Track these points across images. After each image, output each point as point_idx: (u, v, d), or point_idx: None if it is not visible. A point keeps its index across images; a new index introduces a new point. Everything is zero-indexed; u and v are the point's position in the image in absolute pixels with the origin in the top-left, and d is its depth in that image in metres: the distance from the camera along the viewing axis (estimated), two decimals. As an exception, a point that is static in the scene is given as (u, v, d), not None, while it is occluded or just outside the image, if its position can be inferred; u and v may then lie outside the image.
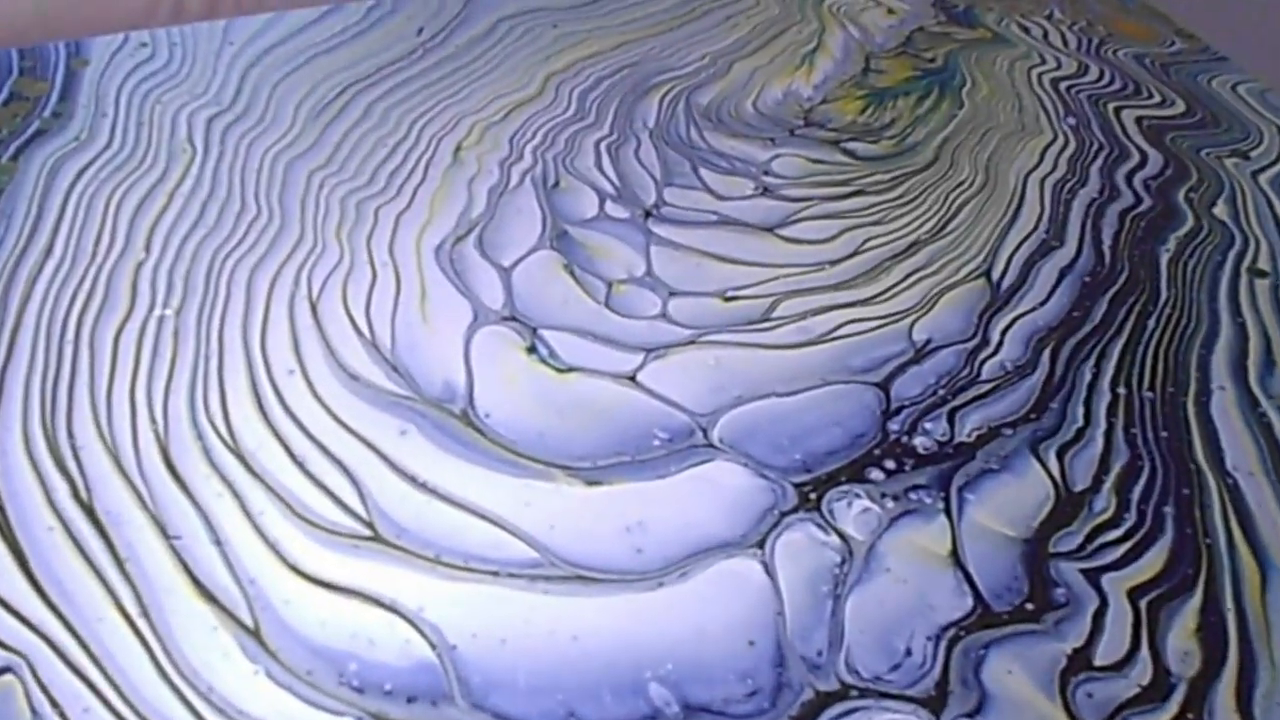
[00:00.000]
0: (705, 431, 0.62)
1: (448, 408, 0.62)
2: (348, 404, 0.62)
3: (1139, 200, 0.79)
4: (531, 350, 0.66)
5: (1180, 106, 0.89)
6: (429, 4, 0.98)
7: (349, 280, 0.70)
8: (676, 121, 0.85)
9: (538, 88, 0.89)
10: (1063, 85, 0.91)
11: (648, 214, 0.76)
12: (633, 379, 0.64)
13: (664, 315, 0.69)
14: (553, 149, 0.82)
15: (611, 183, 0.79)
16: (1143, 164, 0.82)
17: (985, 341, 0.67)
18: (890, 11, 1.00)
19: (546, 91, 0.88)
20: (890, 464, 0.60)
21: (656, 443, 0.61)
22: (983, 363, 0.66)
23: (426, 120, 0.84)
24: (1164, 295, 0.71)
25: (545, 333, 0.67)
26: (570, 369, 0.65)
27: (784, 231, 0.75)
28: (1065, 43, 0.96)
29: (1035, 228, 0.76)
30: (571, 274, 0.71)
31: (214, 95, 0.85)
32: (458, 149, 0.82)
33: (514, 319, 0.68)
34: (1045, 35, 0.97)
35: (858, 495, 0.58)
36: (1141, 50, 0.96)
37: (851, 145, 0.84)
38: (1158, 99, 0.90)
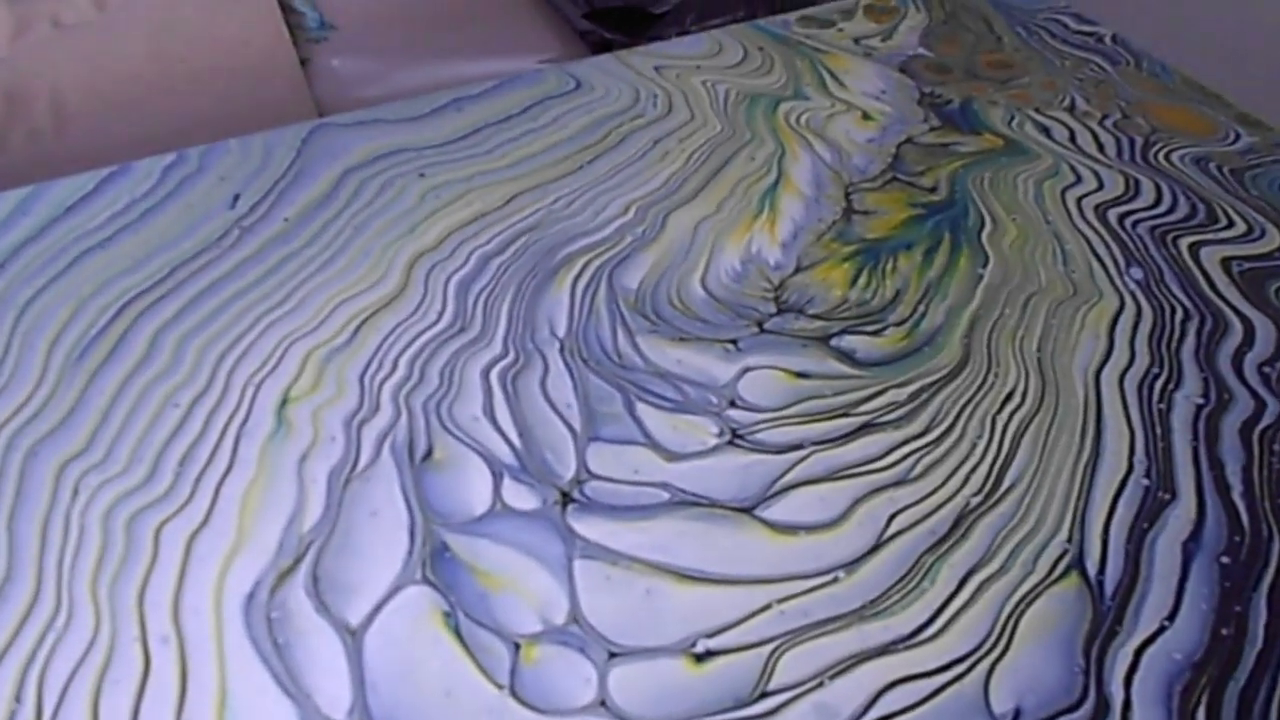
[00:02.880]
0: None
1: None
2: None
3: (1260, 405, 0.55)
4: (396, 803, 0.40)
5: (1274, 238, 0.65)
6: (248, 157, 0.71)
7: (105, 678, 0.44)
8: (597, 322, 0.60)
9: (399, 280, 0.62)
10: (1111, 214, 0.67)
11: (566, 498, 0.51)
12: None
13: (604, 703, 0.43)
14: (422, 388, 0.56)
15: (510, 444, 0.53)
16: (1249, 339, 0.58)
17: (1104, 705, 0.43)
18: (866, 117, 0.75)
19: (412, 286, 0.62)
20: None
21: None
22: (1109, 750, 0.41)
23: (240, 353, 0.58)
24: (1347, 584, 0.47)
25: (418, 761, 0.41)
26: (460, 839, 0.39)
27: (768, 512, 0.50)
28: (1100, 146, 0.72)
29: (1129, 469, 0.52)
30: (456, 632, 0.45)
31: (-68, 335, 0.58)
32: (284, 402, 0.55)
33: (367, 735, 0.42)
34: (1072, 137, 0.73)
35: None
36: (1201, 149, 0.72)
37: (847, 342, 0.58)
38: (1242, 227, 0.65)
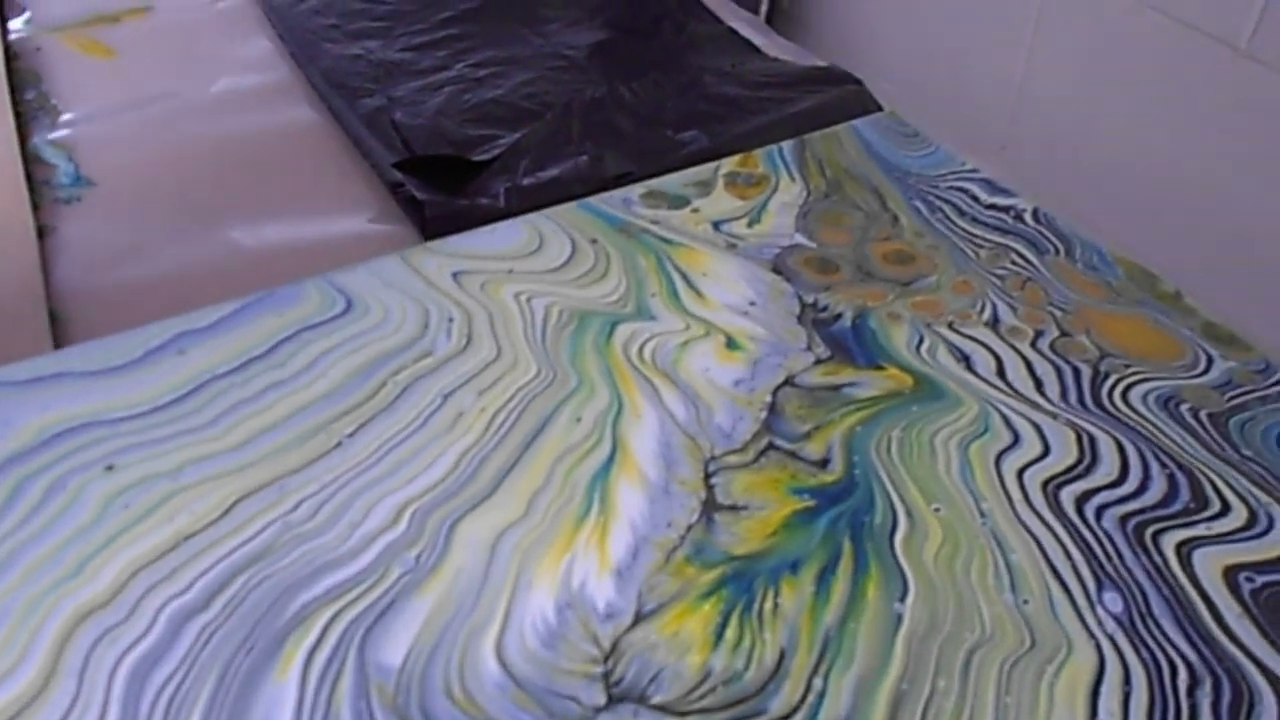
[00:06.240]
0: None
1: None
2: None
3: None
4: None
5: (1286, 529, 0.46)
6: None
7: None
8: (334, 741, 0.38)
9: (44, 666, 0.41)
10: (1065, 496, 0.48)
11: None
12: None
13: None
14: None
15: None
16: (1288, 719, 0.39)
17: None
18: (731, 345, 0.55)
19: (61, 675, 0.41)
20: None
21: None
22: None
23: None
24: None
25: None
26: None
27: None
28: (1039, 383, 0.54)
29: None
30: None
31: None
32: None
33: None
34: (1001, 369, 0.54)
35: None
36: (1167, 383, 0.54)
37: (710, 758, 0.38)
38: (1240, 513, 0.47)
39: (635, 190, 0.69)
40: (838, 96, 1.09)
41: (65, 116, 1.07)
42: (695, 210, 0.67)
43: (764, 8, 1.81)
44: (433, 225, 0.90)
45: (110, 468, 0.50)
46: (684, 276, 0.62)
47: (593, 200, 0.68)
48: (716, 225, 0.66)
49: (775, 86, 1.13)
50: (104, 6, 1.27)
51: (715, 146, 0.99)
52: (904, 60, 1.44)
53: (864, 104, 1.08)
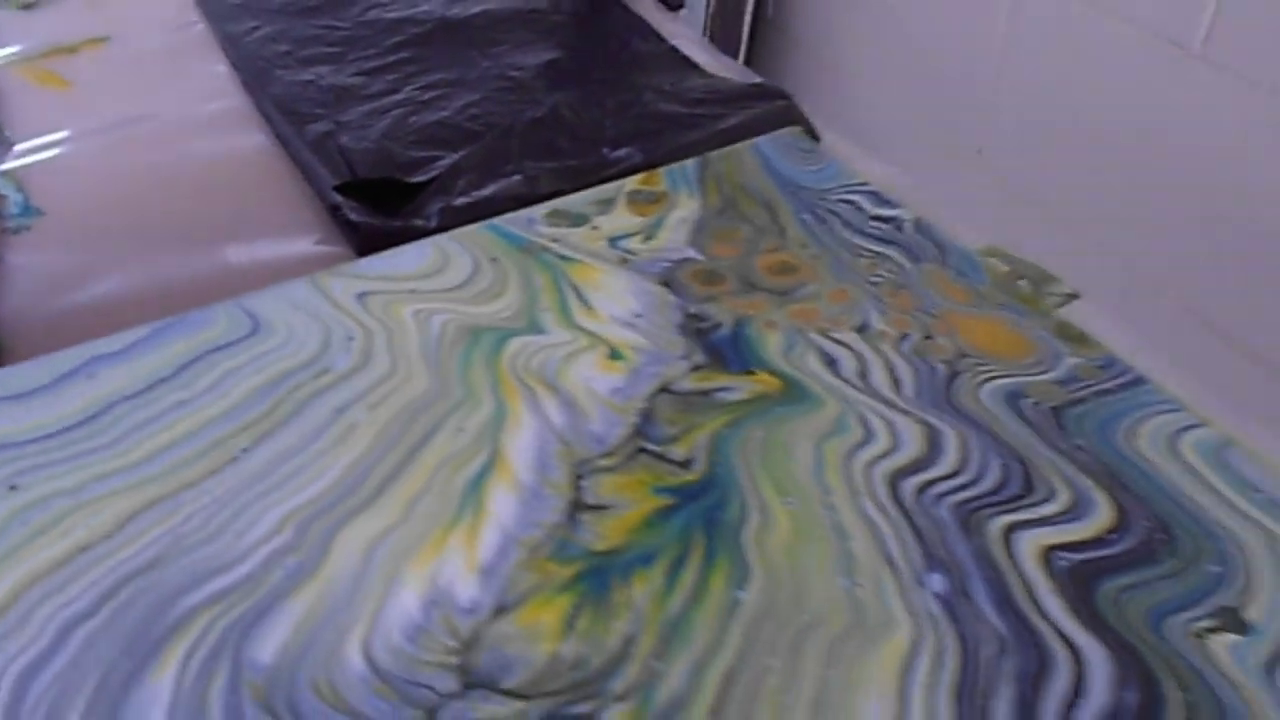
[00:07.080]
0: None
1: None
2: None
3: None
4: None
5: (1101, 511, 0.51)
6: None
7: None
8: (207, 730, 0.42)
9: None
10: (907, 487, 0.52)
11: None
12: None
13: None
14: None
15: None
16: (1081, 684, 0.43)
17: None
18: (613, 356, 0.59)
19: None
20: None
21: None
22: None
23: None
24: None
25: None
26: None
27: None
28: (897, 383, 0.57)
29: None
30: None
31: None
32: None
33: None
34: (864, 371, 0.58)
35: None
36: (1015, 380, 0.58)
37: (551, 735, 0.42)
38: (1064, 498, 0.51)
39: (539, 211, 0.72)
40: (767, 112, 1.13)
41: (18, 147, 1.11)
42: (595, 228, 0.71)
43: (748, 17, 1.85)
44: (367, 246, 0.94)
45: (14, 488, 0.54)
46: (576, 292, 0.65)
47: (498, 221, 0.72)
48: (613, 242, 0.70)
49: (710, 103, 1.17)
50: (62, 38, 1.32)
51: (649, 163, 1.03)
52: (884, 66, 1.47)
53: (792, 118, 1.12)
